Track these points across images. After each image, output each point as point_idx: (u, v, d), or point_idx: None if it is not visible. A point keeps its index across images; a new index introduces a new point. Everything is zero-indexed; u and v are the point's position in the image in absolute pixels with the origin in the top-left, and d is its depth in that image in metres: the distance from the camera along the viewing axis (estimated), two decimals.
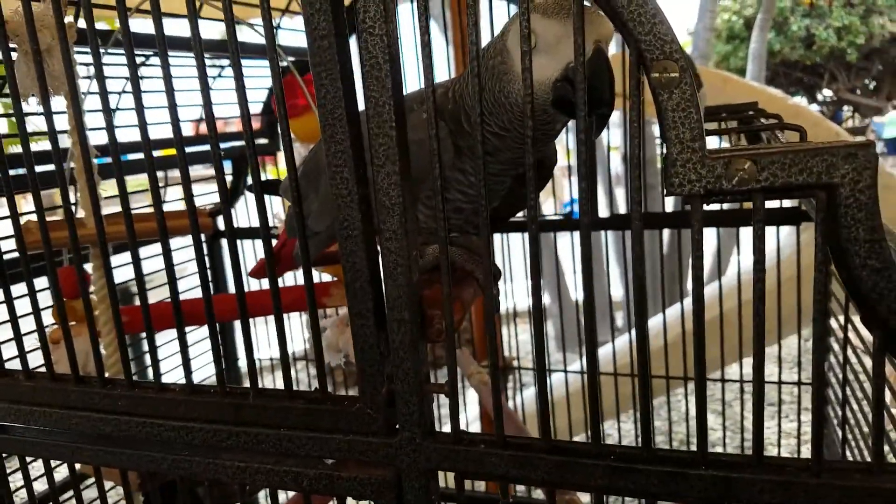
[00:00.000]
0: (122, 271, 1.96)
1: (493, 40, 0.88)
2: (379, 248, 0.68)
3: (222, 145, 2.43)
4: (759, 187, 0.53)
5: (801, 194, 0.55)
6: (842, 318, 1.39)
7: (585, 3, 0.57)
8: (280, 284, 1.75)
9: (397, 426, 0.71)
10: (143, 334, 2.08)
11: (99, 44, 0.79)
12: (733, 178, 0.53)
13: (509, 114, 0.85)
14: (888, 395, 1.25)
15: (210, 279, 2.42)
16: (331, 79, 0.62)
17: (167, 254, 0.78)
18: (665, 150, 0.54)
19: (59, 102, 1.17)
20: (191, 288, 2.42)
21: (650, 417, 0.60)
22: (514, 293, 2.54)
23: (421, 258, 0.88)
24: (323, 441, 0.74)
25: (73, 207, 1.30)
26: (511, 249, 2.41)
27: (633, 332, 0.61)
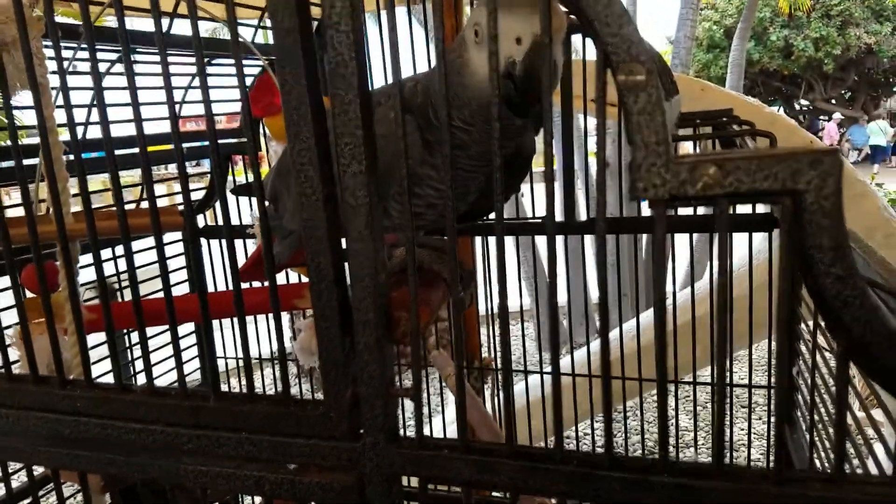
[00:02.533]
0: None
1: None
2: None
3: (202, 143, 2.40)
4: (724, 193, 0.53)
5: (766, 200, 0.55)
6: (811, 323, 1.40)
7: None
8: (256, 285, 1.73)
9: (361, 430, 0.70)
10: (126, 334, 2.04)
11: (60, 36, 0.77)
12: (698, 182, 0.52)
13: (469, 108, 0.84)
14: (856, 402, 1.26)
15: (190, 278, 2.39)
16: (295, 76, 0.60)
17: (128, 255, 0.76)
18: (631, 154, 0.53)
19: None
20: (176, 284, 2.38)
21: (612, 424, 0.60)
22: (495, 294, 2.53)
23: (390, 259, 0.87)
24: (285, 445, 0.73)
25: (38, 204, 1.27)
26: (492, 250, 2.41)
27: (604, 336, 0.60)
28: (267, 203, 1.20)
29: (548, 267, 0.59)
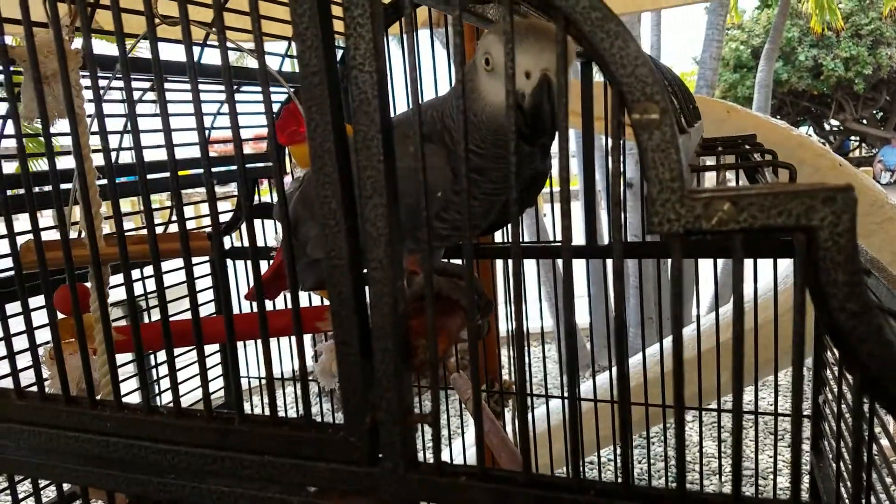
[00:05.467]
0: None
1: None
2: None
3: (230, 167, 2.45)
4: (739, 228, 0.53)
5: (781, 236, 0.56)
6: (837, 351, 1.38)
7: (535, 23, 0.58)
8: (278, 307, 1.75)
9: (380, 456, 0.71)
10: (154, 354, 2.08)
11: (96, 68, 0.81)
12: (712, 218, 0.53)
13: (480, 132, 0.87)
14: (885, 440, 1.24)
15: (216, 298, 2.43)
16: (320, 113, 0.63)
17: (158, 280, 0.79)
18: (646, 190, 0.54)
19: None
20: (202, 304, 2.41)
21: (630, 453, 0.60)
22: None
23: (409, 287, 0.88)
24: (306, 469, 0.74)
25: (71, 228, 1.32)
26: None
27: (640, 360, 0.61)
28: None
29: (563, 290, 0.60)
